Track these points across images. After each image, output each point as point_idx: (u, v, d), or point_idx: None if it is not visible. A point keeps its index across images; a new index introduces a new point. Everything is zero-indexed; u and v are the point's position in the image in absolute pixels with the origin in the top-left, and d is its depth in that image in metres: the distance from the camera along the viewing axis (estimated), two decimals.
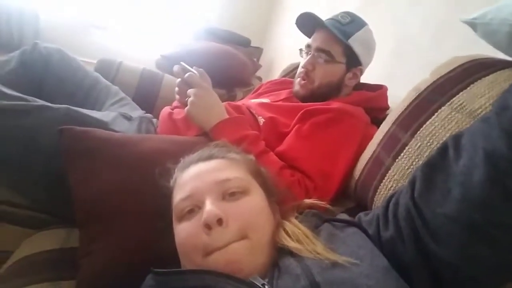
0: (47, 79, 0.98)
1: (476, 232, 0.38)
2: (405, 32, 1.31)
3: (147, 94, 1.31)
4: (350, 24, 0.97)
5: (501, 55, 0.62)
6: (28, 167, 0.68)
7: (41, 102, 0.71)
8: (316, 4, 2.02)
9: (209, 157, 0.56)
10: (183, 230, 0.48)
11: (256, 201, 0.51)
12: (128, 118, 0.93)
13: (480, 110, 0.54)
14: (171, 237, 0.51)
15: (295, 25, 1.06)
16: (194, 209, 0.49)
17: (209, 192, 0.49)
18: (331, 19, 1.00)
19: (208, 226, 0.45)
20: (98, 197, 0.60)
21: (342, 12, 1.00)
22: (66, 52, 1.07)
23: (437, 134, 0.59)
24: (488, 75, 0.58)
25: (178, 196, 0.51)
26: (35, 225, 0.75)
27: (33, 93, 0.76)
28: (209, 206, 0.46)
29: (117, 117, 0.89)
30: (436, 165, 0.44)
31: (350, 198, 0.83)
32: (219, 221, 0.45)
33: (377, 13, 1.45)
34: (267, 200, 0.53)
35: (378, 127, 0.80)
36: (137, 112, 1.03)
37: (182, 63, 0.88)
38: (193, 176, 0.52)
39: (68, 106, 0.74)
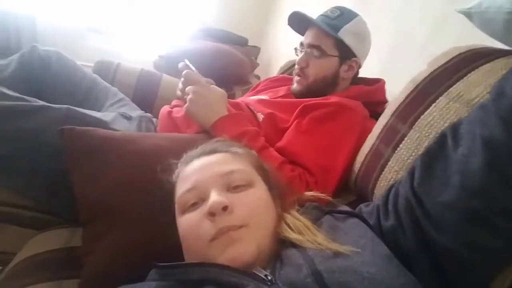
0: (46, 81, 0.99)
1: (476, 219, 0.38)
2: (402, 26, 1.32)
3: (145, 94, 1.31)
4: (339, 18, 0.98)
5: (498, 45, 0.62)
6: (31, 167, 0.68)
7: (41, 102, 0.72)
8: (313, 2, 2.03)
9: (212, 151, 0.56)
10: (186, 221, 0.49)
11: (259, 193, 0.51)
12: (128, 118, 0.94)
13: (478, 98, 0.54)
14: (176, 233, 0.51)
15: None
16: (198, 202, 0.49)
17: (213, 184, 0.49)
18: (321, 15, 1.02)
19: (212, 214, 0.45)
20: (102, 195, 0.60)
21: (332, 7, 1.02)
22: (64, 54, 1.08)
23: (435, 124, 0.59)
24: (485, 64, 0.59)
25: (181, 189, 0.52)
26: (38, 226, 0.75)
27: (33, 95, 0.76)
28: (215, 196, 0.46)
29: (117, 117, 0.90)
30: (435, 155, 0.45)
31: (351, 191, 0.83)
32: (224, 208, 0.45)
33: (374, 7, 1.46)
34: (269, 193, 0.54)
35: (377, 121, 0.80)
36: (136, 112, 1.04)
37: (186, 60, 0.89)
38: (197, 169, 0.53)
39: (69, 106, 0.74)
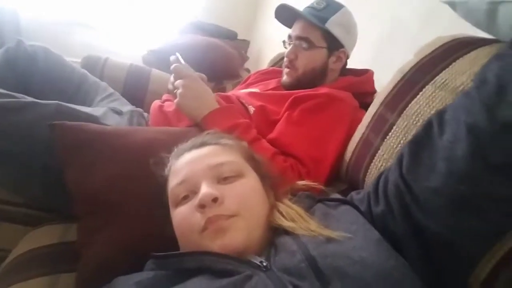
0: (34, 77, 0.97)
1: (462, 203, 0.40)
2: (393, 16, 1.32)
3: (135, 89, 1.30)
4: (325, 9, 0.99)
5: (482, 34, 0.64)
6: (23, 164, 0.68)
7: (30, 99, 0.71)
8: None
9: (202, 144, 0.57)
10: (179, 214, 0.50)
11: (250, 183, 0.52)
12: (119, 113, 0.93)
13: (462, 86, 0.56)
14: (171, 225, 0.52)
15: None
16: (189, 195, 0.50)
17: (203, 176, 0.50)
18: (307, 7, 1.02)
19: (202, 206, 0.46)
20: (96, 189, 0.61)
21: None
22: (51, 50, 1.06)
23: (422, 113, 0.61)
24: (469, 52, 0.60)
25: (173, 182, 0.53)
26: (32, 223, 0.75)
27: (20, 91, 0.75)
28: (205, 188, 0.47)
29: (108, 112, 0.89)
30: (422, 142, 0.46)
31: (342, 180, 0.84)
32: (214, 200, 0.46)
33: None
34: (261, 183, 0.55)
35: (366, 111, 0.81)
36: (127, 107, 1.03)
37: (177, 53, 0.88)
38: (187, 162, 0.53)
39: (58, 101, 0.73)
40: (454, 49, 0.63)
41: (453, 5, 0.62)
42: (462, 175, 0.39)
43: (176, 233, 0.51)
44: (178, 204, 0.51)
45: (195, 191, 0.49)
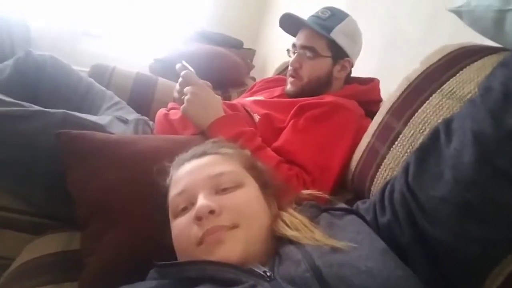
0: (42, 85, 0.99)
1: (469, 211, 0.39)
2: (395, 25, 1.33)
3: (142, 98, 1.32)
4: (330, 18, 0.99)
5: (489, 42, 0.63)
6: (29, 171, 0.69)
7: (37, 107, 0.72)
8: (306, 4, 2.04)
9: (203, 154, 0.57)
10: (177, 226, 0.50)
11: (249, 193, 0.52)
12: (124, 121, 0.94)
13: (470, 95, 0.55)
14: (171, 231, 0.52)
15: None
16: (188, 206, 0.50)
17: (202, 187, 0.50)
18: (312, 16, 1.03)
19: (199, 218, 0.46)
20: (100, 197, 0.61)
21: (322, 8, 1.03)
22: (59, 59, 1.08)
23: (429, 121, 0.60)
24: (476, 61, 0.60)
25: (172, 192, 0.53)
26: (36, 231, 0.75)
27: (29, 100, 0.76)
28: (201, 200, 0.47)
29: (113, 120, 0.90)
30: (429, 150, 0.46)
31: (348, 190, 0.83)
32: (212, 212, 0.46)
33: (368, 8, 1.47)
34: (262, 193, 0.54)
35: (372, 119, 0.81)
36: (132, 115, 1.04)
37: (183, 61, 0.89)
38: (187, 173, 0.53)
39: (65, 110, 0.74)
40: (461, 58, 0.63)
41: (459, 14, 0.62)
42: (469, 183, 0.39)
43: (174, 245, 0.51)
44: (177, 215, 0.51)
45: (193, 202, 0.49)
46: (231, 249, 0.44)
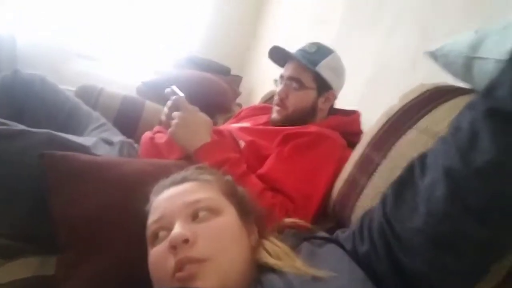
0: (28, 104, 0.99)
1: (441, 243, 0.41)
2: (380, 61, 1.41)
3: (128, 120, 1.32)
4: (316, 53, 1.05)
5: (461, 83, 0.68)
6: (11, 192, 0.66)
7: (22, 127, 0.71)
8: (294, 37, 2.13)
9: (182, 181, 0.57)
10: (153, 254, 0.49)
11: (227, 221, 0.52)
12: (109, 143, 0.94)
13: (443, 132, 0.59)
14: None
15: None
16: (165, 233, 0.49)
17: (178, 214, 0.50)
18: (299, 50, 1.08)
19: (173, 247, 0.45)
20: (81, 221, 0.60)
21: (309, 43, 1.09)
22: (47, 78, 1.08)
23: (406, 154, 0.63)
24: (448, 100, 0.64)
25: (151, 219, 0.53)
26: (7, 255, 0.72)
27: (14, 118, 0.76)
28: (177, 229, 0.47)
29: (98, 142, 0.90)
30: (405, 183, 0.48)
31: (329, 218, 0.85)
32: (185, 241, 0.45)
33: (354, 43, 1.55)
34: (241, 220, 0.54)
35: (353, 150, 0.84)
36: (118, 137, 1.03)
37: (173, 86, 0.91)
38: (165, 199, 0.53)
39: (50, 130, 0.74)
40: (435, 97, 0.67)
41: (434, 57, 0.68)
42: (441, 216, 0.41)
43: (151, 274, 0.50)
44: (153, 243, 0.50)
45: (170, 229, 0.48)
46: (205, 284, 0.43)
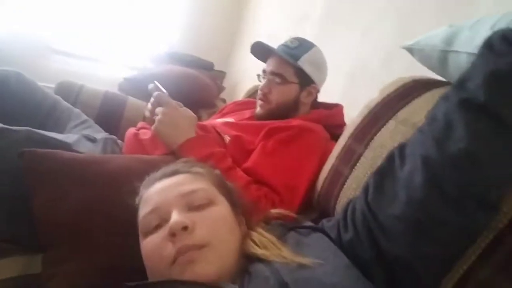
0: (4, 102, 0.95)
1: (420, 229, 0.43)
2: (358, 57, 1.44)
3: (110, 116, 1.30)
4: (298, 48, 1.06)
5: (437, 76, 0.71)
6: None
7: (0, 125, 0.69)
8: (276, 32, 2.14)
9: (173, 173, 0.57)
10: (149, 243, 0.49)
11: (221, 210, 0.53)
12: (92, 140, 0.92)
13: (420, 123, 0.61)
14: (141, 255, 0.51)
15: None
16: (161, 223, 0.50)
17: (175, 204, 0.50)
18: (281, 45, 1.09)
19: (173, 234, 0.46)
20: (64, 218, 0.59)
21: (291, 38, 1.10)
22: (24, 74, 1.05)
23: (386, 145, 0.65)
24: (426, 92, 0.67)
25: (143, 211, 0.53)
26: None
27: None
28: (175, 216, 0.47)
29: (81, 139, 0.88)
30: (385, 172, 0.50)
31: (314, 209, 0.87)
32: (185, 228, 0.46)
33: (333, 41, 1.58)
34: (232, 211, 0.56)
35: (336, 142, 0.86)
36: (101, 134, 1.02)
37: (156, 82, 0.90)
38: (158, 191, 0.54)
39: (29, 128, 0.72)
40: (413, 89, 0.70)
41: (411, 51, 0.70)
42: (419, 203, 0.43)
43: (146, 264, 0.50)
44: (148, 233, 0.50)
45: (166, 219, 0.49)
46: (204, 268, 0.45)
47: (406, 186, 0.45)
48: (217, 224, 0.50)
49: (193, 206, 0.51)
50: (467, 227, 0.43)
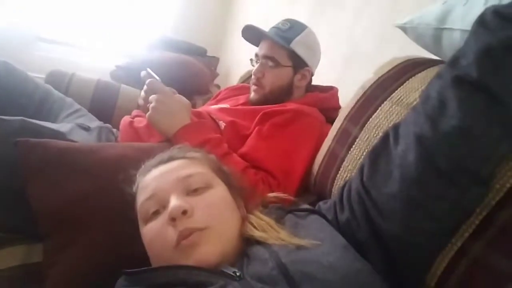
0: None
1: (414, 206, 0.44)
2: (352, 39, 1.42)
3: (103, 105, 1.28)
4: (290, 30, 1.04)
5: (431, 55, 0.71)
6: None
7: None
8: (268, 15, 2.11)
9: (170, 159, 0.57)
10: (150, 230, 0.50)
11: (220, 193, 0.54)
12: (86, 129, 0.92)
13: (415, 102, 0.61)
14: (140, 243, 0.52)
15: None
16: (159, 209, 0.50)
17: (173, 189, 0.50)
18: (273, 27, 1.07)
19: (173, 219, 0.46)
20: (63, 208, 0.59)
21: (283, 20, 1.08)
22: (13, 64, 1.03)
23: (381, 126, 0.66)
24: (420, 72, 0.67)
25: (141, 198, 0.53)
26: None
27: None
28: (174, 201, 0.48)
29: (75, 128, 0.87)
30: (380, 152, 0.51)
31: (311, 192, 0.88)
32: (184, 212, 0.47)
33: (327, 23, 1.56)
34: (230, 194, 0.56)
35: (332, 125, 0.86)
36: (95, 123, 1.01)
37: (148, 69, 0.89)
38: (155, 177, 0.54)
39: (23, 118, 0.71)
40: (407, 69, 0.70)
41: (404, 30, 0.69)
42: (413, 180, 0.44)
43: (148, 250, 0.51)
44: (148, 220, 0.50)
45: (164, 205, 0.49)
46: (208, 251, 0.45)
47: (400, 164, 0.45)
48: (216, 207, 0.51)
49: (191, 190, 0.51)
50: (462, 201, 0.44)
